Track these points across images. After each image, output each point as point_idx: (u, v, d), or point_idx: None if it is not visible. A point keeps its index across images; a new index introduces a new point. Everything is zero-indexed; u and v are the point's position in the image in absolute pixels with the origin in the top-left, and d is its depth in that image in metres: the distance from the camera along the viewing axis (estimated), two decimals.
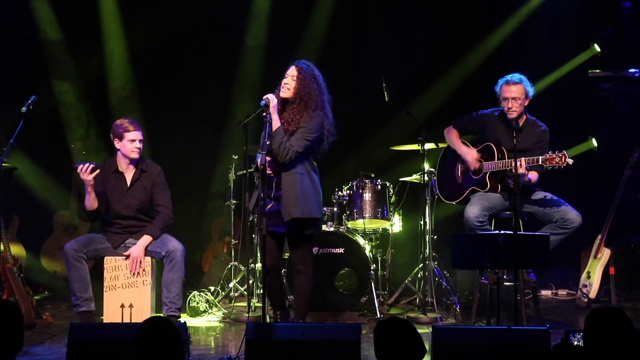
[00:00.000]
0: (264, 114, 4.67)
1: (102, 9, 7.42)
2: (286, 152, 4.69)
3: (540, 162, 5.33)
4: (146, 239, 5.28)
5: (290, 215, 4.72)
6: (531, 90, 5.71)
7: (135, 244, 5.30)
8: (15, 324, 2.85)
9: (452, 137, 5.95)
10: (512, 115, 5.67)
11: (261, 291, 5.31)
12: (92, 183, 5.11)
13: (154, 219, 5.39)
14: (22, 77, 7.44)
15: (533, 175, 5.55)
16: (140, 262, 5.24)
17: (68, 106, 7.47)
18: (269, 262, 4.79)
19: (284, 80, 4.84)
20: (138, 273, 5.25)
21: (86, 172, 5.05)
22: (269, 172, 4.71)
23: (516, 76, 5.71)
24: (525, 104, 5.70)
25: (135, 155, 5.33)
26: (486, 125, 5.83)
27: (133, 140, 5.30)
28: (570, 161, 5.25)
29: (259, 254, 5.87)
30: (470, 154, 5.80)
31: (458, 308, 5.85)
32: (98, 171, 5.13)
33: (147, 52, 7.58)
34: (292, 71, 4.85)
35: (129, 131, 5.28)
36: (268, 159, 4.62)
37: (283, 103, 4.86)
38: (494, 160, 5.65)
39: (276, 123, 4.73)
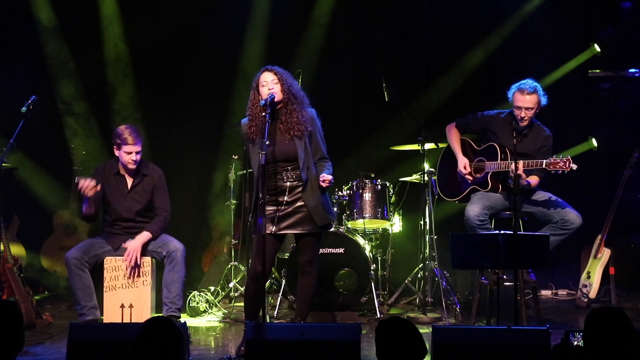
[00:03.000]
0: (264, 114, 4.64)
1: (102, 8, 7.43)
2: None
3: (544, 166, 5.32)
4: (145, 235, 5.28)
5: (329, 220, 4.80)
6: (544, 100, 5.69)
7: None
8: (15, 323, 2.85)
9: (452, 138, 5.95)
10: (524, 123, 5.66)
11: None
12: (92, 196, 5.11)
13: (154, 218, 5.40)
14: (22, 76, 7.43)
15: (532, 180, 5.54)
16: (137, 257, 5.21)
17: (68, 106, 7.46)
18: (263, 268, 4.56)
19: (265, 88, 4.68)
20: (136, 273, 5.24)
21: (87, 189, 5.04)
22: (284, 178, 4.70)
23: (531, 84, 5.66)
24: (537, 112, 5.70)
25: (131, 167, 5.35)
26: (490, 126, 5.82)
27: (129, 153, 5.30)
28: (574, 166, 5.25)
29: None
30: (461, 163, 5.82)
31: (458, 308, 5.85)
32: (99, 187, 5.11)
33: (147, 51, 7.57)
34: (268, 77, 4.70)
35: (127, 144, 5.28)
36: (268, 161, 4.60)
37: (272, 110, 4.67)
38: (497, 160, 5.64)
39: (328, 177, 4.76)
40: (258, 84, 4.74)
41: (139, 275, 5.28)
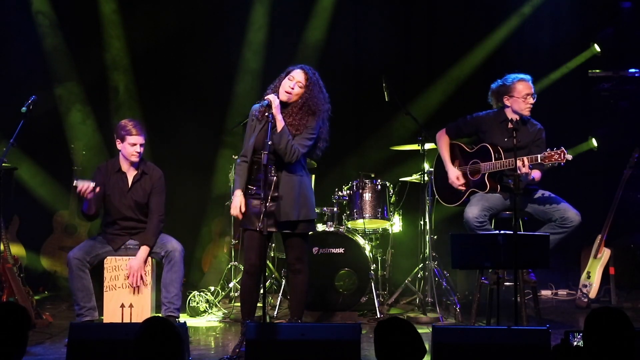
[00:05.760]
0: (266, 114, 4.63)
1: (102, 8, 7.43)
2: (293, 152, 4.63)
3: (539, 161, 5.32)
4: (144, 251, 5.26)
5: (289, 217, 4.68)
6: None
7: (135, 245, 5.31)
8: (22, 327, 2.84)
9: (442, 146, 5.92)
10: (529, 112, 5.65)
11: (261, 291, 5.30)
12: (92, 197, 5.12)
13: (147, 224, 5.38)
14: (22, 76, 7.43)
15: (537, 174, 5.52)
16: (140, 276, 5.22)
17: (68, 106, 7.47)
18: (259, 262, 4.71)
19: (289, 84, 4.71)
20: (139, 287, 5.25)
21: (86, 192, 5.04)
22: (272, 171, 4.69)
23: (523, 74, 5.69)
24: None
25: (134, 159, 5.34)
26: (481, 127, 5.80)
27: (134, 144, 5.30)
28: (569, 157, 5.23)
29: None
30: (452, 175, 5.81)
31: (458, 308, 5.85)
32: (98, 189, 5.11)
33: (147, 50, 7.58)
34: (299, 76, 4.72)
35: (131, 135, 5.28)
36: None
37: (282, 105, 4.73)
38: (492, 160, 5.63)
39: (281, 123, 4.62)
40: (287, 74, 4.76)
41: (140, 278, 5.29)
